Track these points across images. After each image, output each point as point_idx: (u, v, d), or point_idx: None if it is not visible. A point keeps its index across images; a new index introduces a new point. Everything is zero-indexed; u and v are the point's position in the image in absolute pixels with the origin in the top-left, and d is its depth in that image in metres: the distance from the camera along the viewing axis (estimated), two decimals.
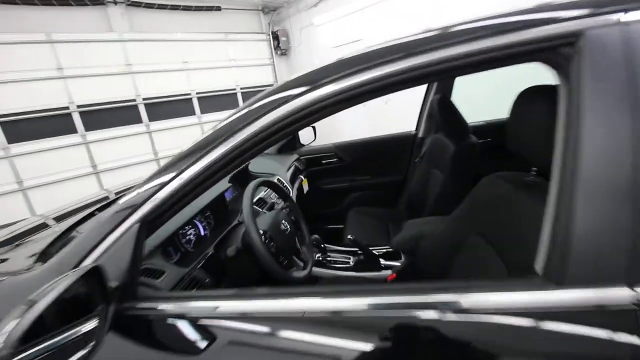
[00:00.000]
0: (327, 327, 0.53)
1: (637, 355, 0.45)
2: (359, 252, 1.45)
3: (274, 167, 1.82)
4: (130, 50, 4.21)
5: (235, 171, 1.54)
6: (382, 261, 1.48)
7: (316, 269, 1.44)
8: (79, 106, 3.90)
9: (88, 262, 0.58)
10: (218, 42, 5.03)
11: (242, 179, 1.57)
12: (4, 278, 0.66)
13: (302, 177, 2.07)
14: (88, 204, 1.25)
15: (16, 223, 1.24)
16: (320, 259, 1.54)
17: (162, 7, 4.50)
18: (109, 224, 0.60)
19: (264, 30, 5.65)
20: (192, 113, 4.90)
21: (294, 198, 1.78)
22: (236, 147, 0.58)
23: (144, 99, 4.38)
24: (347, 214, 1.99)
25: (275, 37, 5.54)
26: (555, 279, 0.48)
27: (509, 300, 0.50)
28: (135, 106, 4.35)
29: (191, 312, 0.58)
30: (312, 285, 1.17)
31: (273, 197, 1.52)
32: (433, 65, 0.53)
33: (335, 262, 1.52)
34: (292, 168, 2.04)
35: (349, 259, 1.55)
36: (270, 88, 0.62)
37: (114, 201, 0.72)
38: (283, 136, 0.60)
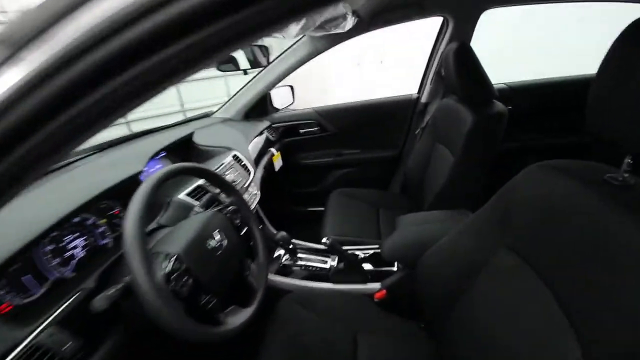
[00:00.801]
0: None
1: None
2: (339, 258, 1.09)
3: (234, 138, 1.39)
4: None
5: (169, 143, 1.06)
6: (369, 267, 1.13)
7: (277, 279, 1.09)
8: None
9: None
10: None
11: (181, 152, 1.15)
12: None
13: (273, 150, 1.65)
14: None
15: None
16: (287, 263, 1.18)
17: None
18: None
19: None
20: None
21: (259, 179, 1.37)
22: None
23: None
24: (329, 196, 1.61)
25: None
26: None
27: None
28: None
29: None
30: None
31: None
32: None
33: (308, 267, 1.17)
34: (262, 139, 1.61)
35: (326, 262, 1.19)
36: None
37: None
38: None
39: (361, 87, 3.88)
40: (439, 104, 1.48)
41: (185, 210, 0.84)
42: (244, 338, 0.68)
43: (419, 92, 1.73)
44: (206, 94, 4.31)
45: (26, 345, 0.50)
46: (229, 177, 1.07)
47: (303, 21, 1.05)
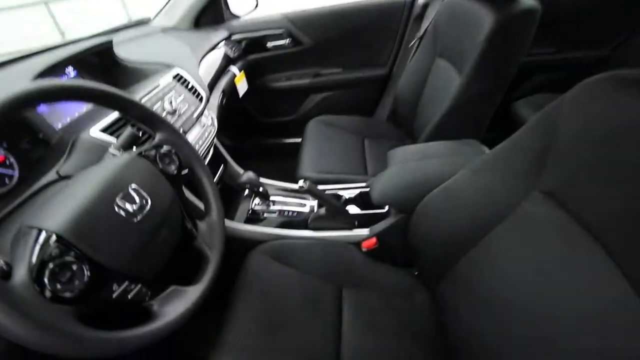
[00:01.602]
0: None
1: None
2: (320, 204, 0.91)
3: (177, 52, 1.05)
4: None
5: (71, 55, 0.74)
6: (355, 210, 0.96)
7: (245, 228, 0.90)
8: None
9: None
10: None
11: (99, 72, 0.83)
12: None
13: (234, 69, 1.32)
14: None
15: None
16: (258, 209, 0.99)
17: None
18: None
19: None
20: None
21: (217, 106, 1.09)
22: None
23: None
24: (306, 125, 1.36)
25: None
26: None
27: None
28: None
29: None
30: None
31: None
32: None
33: (283, 212, 0.98)
34: (219, 54, 1.26)
35: (304, 205, 1.01)
36: None
37: None
38: None
39: None
40: (442, 4, 1.16)
41: (97, 154, 0.59)
42: (209, 304, 0.51)
43: None
44: None
45: None
46: (168, 104, 0.79)
47: None
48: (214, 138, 0.96)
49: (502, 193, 0.57)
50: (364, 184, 1.03)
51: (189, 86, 0.92)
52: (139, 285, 0.43)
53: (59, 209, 0.39)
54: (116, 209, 0.42)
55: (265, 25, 1.45)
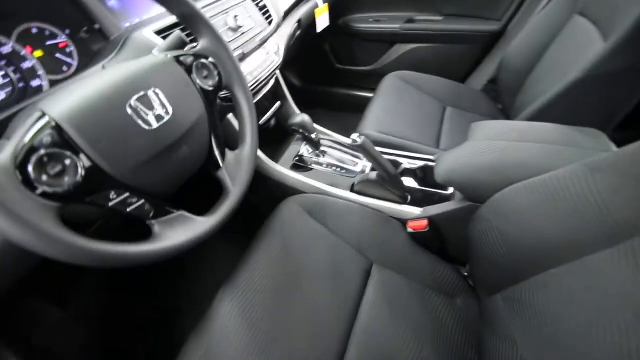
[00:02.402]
0: None
1: None
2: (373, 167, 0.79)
3: None
4: None
5: None
6: (412, 184, 0.82)
7: (288, 174, 0.84)
8: None
9: None
10: None
11: None
12: None
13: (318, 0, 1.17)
14: None
15: None
16: (306, 157, 0.91)
17: None
18: None
19: None
20: None
21: (287, 37, 0.98)
22: None
23: None
24: (383, 79, 1.19)
25: None
26: None
27: None
28: None
29: None
30: None
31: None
32: None
33: (332, 166, 0.89)
34: None
35: (356, 164, 0.90)
36: None
37: None
38: None
39: None
40: None
41: (143, 54, 0.54)
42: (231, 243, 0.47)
43: None
44: None
45: None
46: (232, 20, 0.71)
47: None
48: (276, 69, 0.87)
49: (626, 208, 0.39)
50: (431, 157, 0.87)
51: (261, 4, 0.82)
52: (142, 201, 0.38)
53: (67, 97, 0.35)
54: (128, 110, 0.37)
55: None
